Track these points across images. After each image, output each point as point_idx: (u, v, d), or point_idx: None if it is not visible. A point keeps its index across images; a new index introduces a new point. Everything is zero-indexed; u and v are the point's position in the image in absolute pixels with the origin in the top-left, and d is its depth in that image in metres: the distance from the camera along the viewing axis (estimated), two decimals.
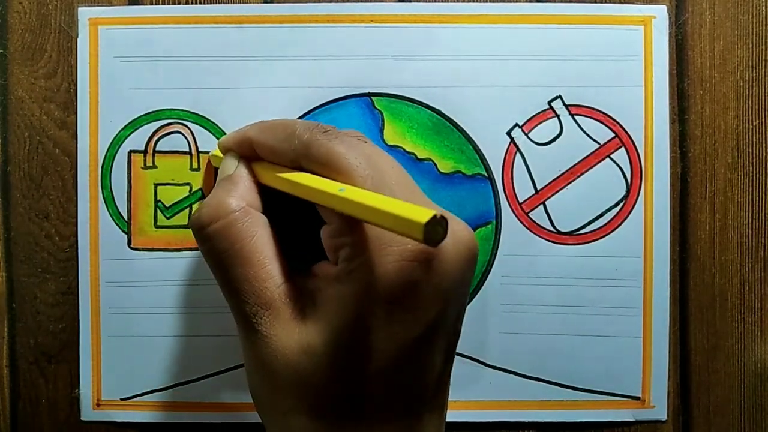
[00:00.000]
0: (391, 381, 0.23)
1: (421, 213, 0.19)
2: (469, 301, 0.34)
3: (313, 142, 0.24)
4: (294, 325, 0.23)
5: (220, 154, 0.30)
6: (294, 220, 0.27)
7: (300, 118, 0.34)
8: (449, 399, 0.34)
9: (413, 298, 0.22)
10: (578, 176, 0.34)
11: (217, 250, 0.25)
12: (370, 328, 0.22)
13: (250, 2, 0.34)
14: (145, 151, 0.34)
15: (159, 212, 0.34)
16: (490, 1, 0.34)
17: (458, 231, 0.23)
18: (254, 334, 0.24)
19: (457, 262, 0.23)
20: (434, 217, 0.19)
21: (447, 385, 0.26)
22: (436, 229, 0.19)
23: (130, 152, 0.34)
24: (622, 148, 0.34)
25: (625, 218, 0.34)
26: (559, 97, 0.34)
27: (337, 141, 0.24)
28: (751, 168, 0.35)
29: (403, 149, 0.34)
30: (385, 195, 0.22)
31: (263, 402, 0.25)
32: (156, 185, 0.34)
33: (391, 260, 0.21)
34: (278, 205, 0.27)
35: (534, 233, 0.34)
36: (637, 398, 0.34)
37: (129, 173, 0.34)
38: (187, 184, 0.34)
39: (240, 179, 0.27)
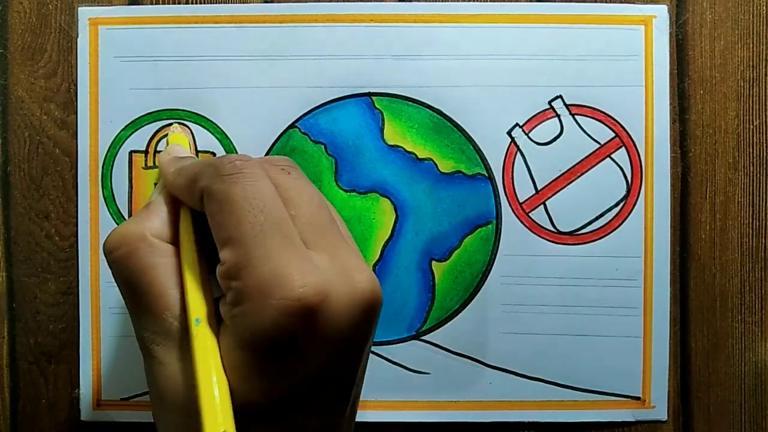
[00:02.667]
0: (272, 427, 0.22)
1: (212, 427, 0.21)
2: (470, 301, 0.34)
3: (212, 186, 0.24)
4: (188, 355, 0.23)
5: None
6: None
7: (300, 118, 0.34)
8: (449, 399, 0.34)
9: (290, 351, 0.21)
10: (579, 176, 0.34)
11: (119, 277, 0.25)
12: (248, 375, 0.22)
13: (250, 2, 0.34)
14: (146, 151, 0.34)
15: None
16: (490, 1, 0.34)
17: (358, 282, 0.22)
18: (151, 359, 0.24)
19: (349, 315, 0.22)
20: None
21: None
22: None
23: (131, 152, 0.34)
24: (623, 148, 0.34)
25: (626, 218, 0.34)
26: (560, 96, 0.34)
27: (237, 181, 0.23)
28: (751, 168, 0.35)
29: (404, 149, 0.34)
30: (283, 240, 0.22)
31: (159, 427, 0.25)
32: (156, 185, 0.34)
33: (268, 313, 0.21)
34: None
35: (534, 233, 0.34)
36: (638, 398, 0.34)
37: (130, 173, 0.34)
38: None
39: (155, 209, 0.27)
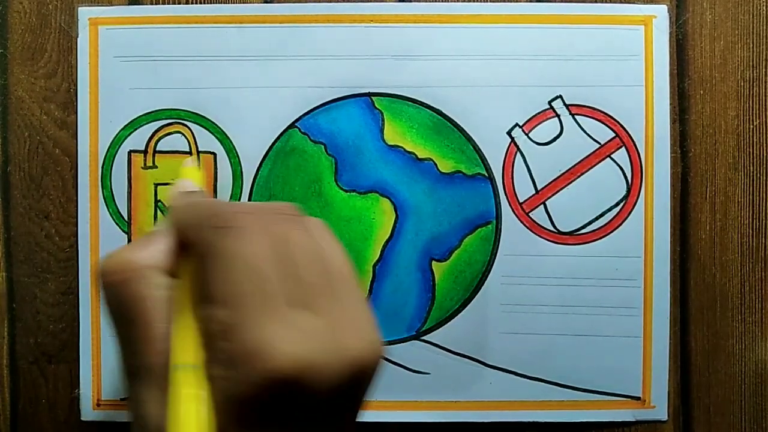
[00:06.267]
0: None
1: None
2: (470, 301, 0.34)
3: (204, 236, 0.23)
4: (164, 395, 0.23)
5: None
6: None
7: (300, 118, 0.34)
8: (449, 399, 0.34)
9: (270, 421, 0.21)
10: (579, 176, 0.34)
11: (109, 302, 0.25)
12: None
13: (250, 2, 0.34)
14: (145, 151, 0.34)
15: (159, 212, 0.34)
16: (490, 1, 0.34)
17: (349, 347, 0.22)
18: (131, 391, 0.24)
19: (334, 382, 0.21)
20: None
21: None
22: None
23: (131, 152, 0.34)
24: (623, 148, 0.34)
25: (626, 218, 0.34)
26: (560, 96, 0.34)
27: (229, 235, 0.23)
28: (751, 168, 0.35)
29: (404, 149, 0.34)
30: (270, 305, 0.22)
31: None
32: (156, 185, 0.34)
33: (255, 379, 0.21)
34: None
35: (534, 233, 0.34)
36: (638, 398, 0.34)
37: (129, 173, 0.34)
38: None
39: (157, 238, 0.26)
